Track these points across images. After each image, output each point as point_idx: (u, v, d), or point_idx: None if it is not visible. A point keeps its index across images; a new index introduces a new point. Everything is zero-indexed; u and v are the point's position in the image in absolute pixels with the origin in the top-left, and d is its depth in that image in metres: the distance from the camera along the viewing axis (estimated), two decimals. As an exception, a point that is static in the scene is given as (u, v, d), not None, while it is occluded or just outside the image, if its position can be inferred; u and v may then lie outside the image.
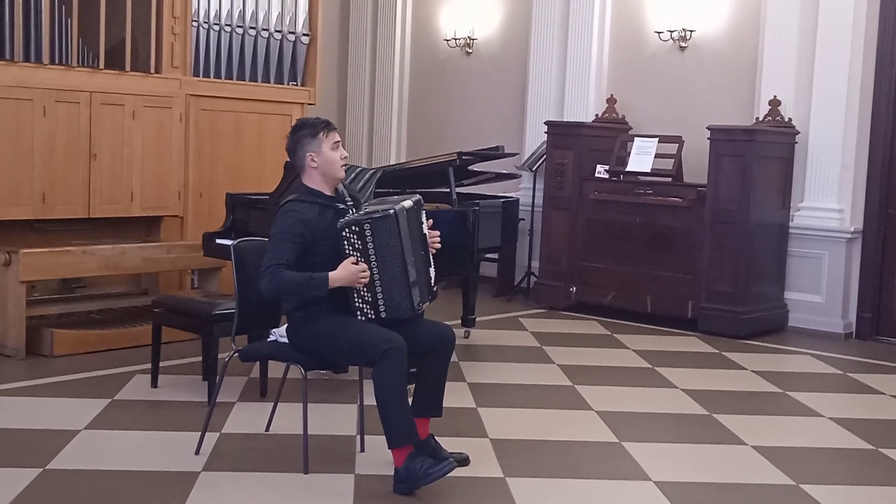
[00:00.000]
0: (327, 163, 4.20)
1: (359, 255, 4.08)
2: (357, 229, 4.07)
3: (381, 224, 4.08)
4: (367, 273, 4.07)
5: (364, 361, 4.13)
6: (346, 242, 4.08)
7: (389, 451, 4.06)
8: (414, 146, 10.12)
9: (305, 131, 4.22)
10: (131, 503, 3.87)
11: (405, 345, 4.00)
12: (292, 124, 4.38)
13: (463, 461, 4.30)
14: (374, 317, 4.13)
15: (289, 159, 4.37)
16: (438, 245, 4.36)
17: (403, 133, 10.31)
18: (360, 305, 4.12)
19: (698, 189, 7.69)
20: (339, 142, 4.25)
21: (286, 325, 4.36)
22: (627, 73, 8.79)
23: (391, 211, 4.10)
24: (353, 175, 6.17)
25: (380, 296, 4.11)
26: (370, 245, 4.07)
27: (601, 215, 8.20)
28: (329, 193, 4.24)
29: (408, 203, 4.19)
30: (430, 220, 4.35)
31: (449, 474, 3.97)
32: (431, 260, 4.33)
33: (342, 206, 4.22)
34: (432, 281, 4.32)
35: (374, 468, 4.29)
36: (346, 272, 4.05)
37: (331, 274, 4.03)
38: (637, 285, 7.99)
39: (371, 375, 4.05)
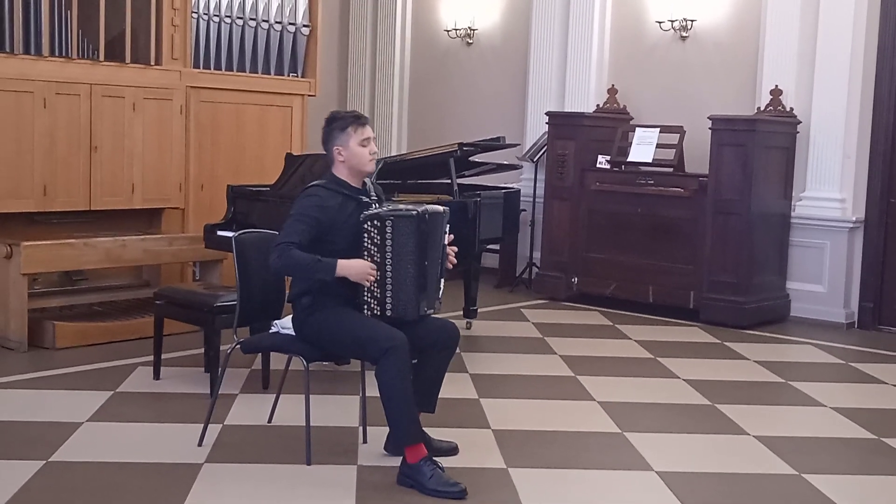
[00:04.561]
0: (354, 157, 4.19)
1: (375, 249, 4.09)
2: (379, 224, 4.08)
3: (404, 223, 4.09)
4: (375, 272, 4.07)
5: (366, 357, 4.14)
6: (365, 235, 4.09)
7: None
8: (415, 137, 10.11)
9: (335, 124, 4.22)
10: (134, 495, 3.87)
11: (407, 343, 4.00)
12: (326, 116, 4.32)
13: (452, 450, 4.34)
14: (379, 314, 4.14)
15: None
16: (455, 261, 4.36)
17: (404, 124, 10.30)
18: (368, 300, 4.13)
19: (700, 179, 7.68)
20: (368, 138, 4.21)
21: (288, 316, 4.37)
22: (628, 63, 8.77)
23: (415, 212, 4.11)
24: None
25: (388, 294, 4.12)
26: (388, 241, 4.08)
27: (603, 206, 8.19)
28: (355, 185, 4.24)
29: (433, 209, 4.20)
30: (451, 235, 4.34)
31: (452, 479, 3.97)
32: (444, 272, 4.33)
33: (366, 199, 4.22)
34: (440, 292, 4.32)
35: (377, 459, 4.29)
36: (357, 265, 4.05)
37: (340, 261, 4.03)
38: (639, 276, 7.98)
39: (373, 368, 4.05)
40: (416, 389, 4.17)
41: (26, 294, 6.03)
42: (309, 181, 6.26)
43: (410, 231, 4.10)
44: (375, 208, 4.16)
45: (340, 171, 4.23)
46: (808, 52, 7.74)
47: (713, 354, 6.69)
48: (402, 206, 4.18)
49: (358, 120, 4.22)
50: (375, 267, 4.07)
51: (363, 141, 4.19)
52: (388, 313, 4.13)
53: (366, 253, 4.09)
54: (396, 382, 3.96)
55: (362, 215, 4.11)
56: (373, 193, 4.28)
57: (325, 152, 4.30)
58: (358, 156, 4.19)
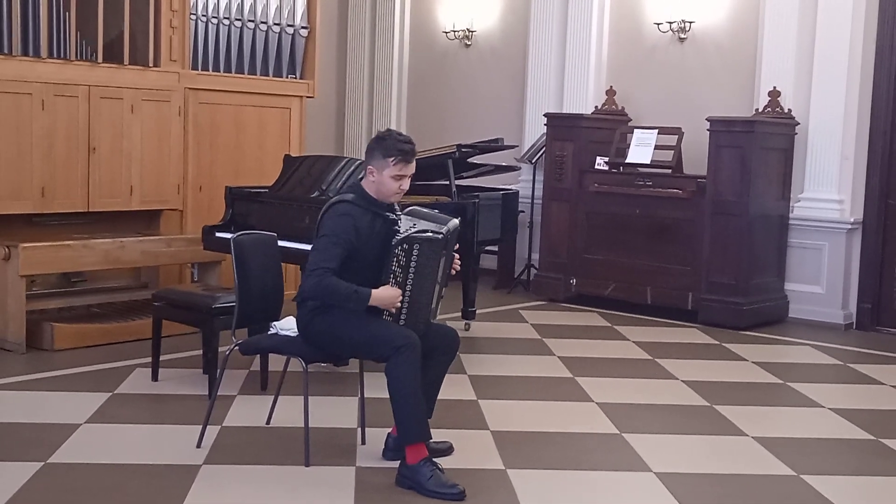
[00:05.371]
0: (382, 185, 4.19)
1: (400, 270, 4.10)
2: (407, 247, 4.09)
3: (430, 245, 4.11)
4: (401, 299, 4.10)
5: (376, 356, 4.12)
6: (394, 259, 4.10)
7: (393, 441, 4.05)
8: (413, 139, 10.07)
9: (382, 145, 4.21)
10: (133, 496, 3.87)
11: (420, 342, 4.02)
12: (381, 133, 4.35)
13: (447, 450, 4.36)
14: None
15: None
16: (458, 267, 4.38)
17: (402, 126, 10.29)
18: (385, 316, 4.15)
19: (698, 180, 7.69)
20: (404, 175, 4.20)
21: (287, 317, 4.36)
22: (627, 65, 8.77)
23: (440, 235, 4.11)
24: (353, 168, 6.17)
25: (404, 312, 4.14)
26: (413, 263, 4.10)
27: (601, 207, 8.19)
28: (381, 201, 4.24)
29: (453, 225, 4.21)
30: (457, 244, 4.35)
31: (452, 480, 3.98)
32: (448, 280, 4.36)
33: (392, 216, 4.22)
34: (441, 299, 4.36)
35: (376, 460, 4.29)
36: (386, 294, 4.07)
37: (373, 292, 4.05)
38: (637, 277, 7.99)
39: (377, 369, 4.05)
40: None
41: (25, 295, 6.02)
42: (308, 183, 6.33)
43: (435, 252, 4.13)
44: (401, 226, 4.14)
45: (369, 187, 4.23)
46: (806, 53, 7.75)
47: (711, 355, 6.69)
48: (426, 225, 4.15)
49: (403, 155, 4.19)
50: (401, 292, 4.09)
51: (397, 176, 4.18)
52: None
53: (391, 276, 4.10)
54: (407, 379, 3.97)
55: (394, 240, 4.10)
56: (397, 209, 4.29)
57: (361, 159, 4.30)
58: (386, 185, 4.18)
